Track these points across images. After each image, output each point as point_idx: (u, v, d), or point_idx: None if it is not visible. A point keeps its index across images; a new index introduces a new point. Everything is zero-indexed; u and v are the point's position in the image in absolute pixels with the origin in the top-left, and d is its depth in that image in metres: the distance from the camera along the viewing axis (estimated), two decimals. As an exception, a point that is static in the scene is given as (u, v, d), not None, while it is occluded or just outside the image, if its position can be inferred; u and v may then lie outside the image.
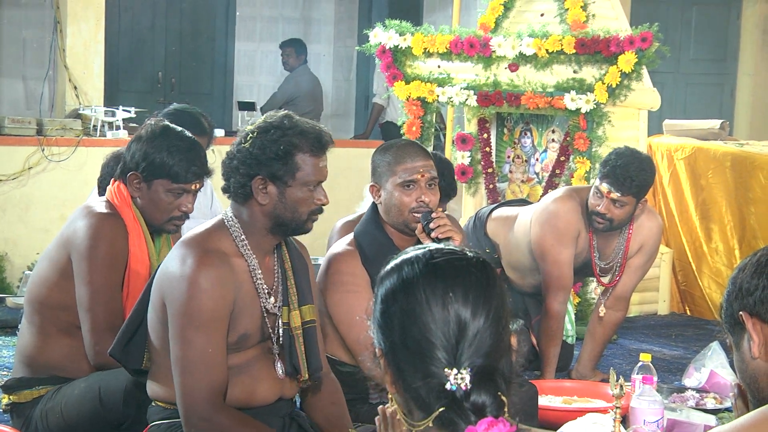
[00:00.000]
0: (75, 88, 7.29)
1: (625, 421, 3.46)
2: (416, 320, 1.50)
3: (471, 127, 6.48)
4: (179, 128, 3.35)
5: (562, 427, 3.45)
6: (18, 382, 3.32)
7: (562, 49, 5.75)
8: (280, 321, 2.85)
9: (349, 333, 3.30)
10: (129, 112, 6.97)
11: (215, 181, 3.40)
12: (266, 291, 2.82)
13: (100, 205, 3.29)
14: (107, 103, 7.44)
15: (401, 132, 6.31)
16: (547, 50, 5.80)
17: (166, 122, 3.39)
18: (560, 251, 4.48)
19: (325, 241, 4.23)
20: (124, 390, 3.09)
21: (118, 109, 6.98)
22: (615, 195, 4.33)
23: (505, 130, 6.43)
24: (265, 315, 2.83)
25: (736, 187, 6.48)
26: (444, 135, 7.30)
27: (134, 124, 6.83)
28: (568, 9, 6.01)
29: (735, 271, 1.87)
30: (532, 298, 4.77)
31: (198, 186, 3.31)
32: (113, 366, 3.06)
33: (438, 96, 6.18)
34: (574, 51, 5.73)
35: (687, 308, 6.74)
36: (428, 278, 1.52)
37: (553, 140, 6.21)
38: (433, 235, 3.26)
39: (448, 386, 1.47)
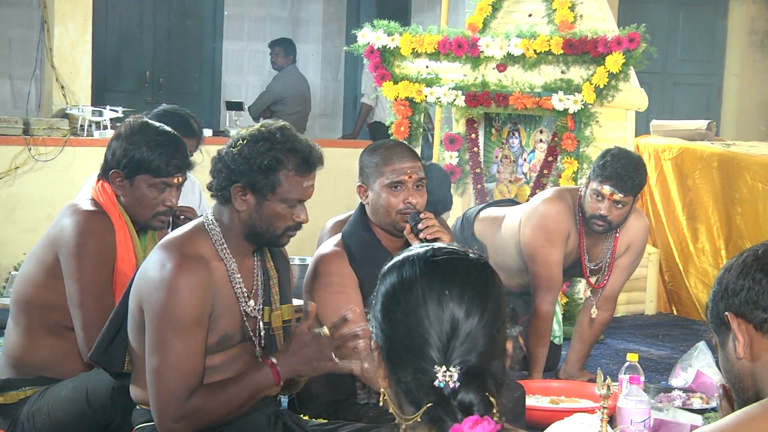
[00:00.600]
0: (62, 87, 7.26)
1: (612, 421, 3.47)
2: (412, 316, 1.51)
3: (459, 128, 6.48)
4: (158, 123, 3.34)
5: (550, 427, 3.46)
6: (4, 383, 3.30)
7: (549, 50, 5.76)
8: (261, 323, 2.84)
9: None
10: (116, 111, 6.93)
11: (203, 181, 3.39)
12: (246, 294, 2.80)
13: (86, 203, 3.28)
14: (94, 102, 7.41)
15: (389, 132, 6.31)
16: (534, 51, 5.80)
17: (145, 119, 3.38)
18: (550, 252, 4.48)
19: (315, 241, 4.22)
20: (112, 391, 3.07)
21: (105, 108, 6.95)
22: (618, 196, 4.33)
23: (493, 131, 6.43)
24: (245, 318, 2.82)
25: (722, 188, 6.50)
26: (432, 135, 7.31)
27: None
28: (555, 10, 6.03)
29: (721, 272, 1.88)
30: (519, 298, 4.77)
31: (180, 179, 3.30)
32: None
33: (426, 96, 6.18)
34: (561, 51, 5.74)
35: (674, 308, 6.76)
36: (427, 276, 1.53)
37: (540, 140, 6.22)
38: (421, 235, 3.26)
39: (436, 383, 1.48)
